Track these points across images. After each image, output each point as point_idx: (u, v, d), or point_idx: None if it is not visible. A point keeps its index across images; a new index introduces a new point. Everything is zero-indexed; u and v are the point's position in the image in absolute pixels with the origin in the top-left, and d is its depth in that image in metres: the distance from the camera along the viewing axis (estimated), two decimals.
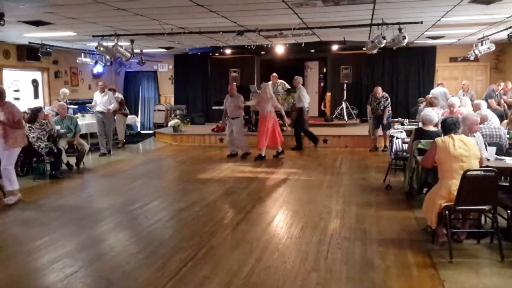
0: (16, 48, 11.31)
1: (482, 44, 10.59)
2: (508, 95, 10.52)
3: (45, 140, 7.74)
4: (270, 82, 10.27)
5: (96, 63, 13.12)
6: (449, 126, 4.33)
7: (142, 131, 15.37)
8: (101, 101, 10.38)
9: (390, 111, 10.19)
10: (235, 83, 10.07)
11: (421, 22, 8.11)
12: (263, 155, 9.42)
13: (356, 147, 10.79)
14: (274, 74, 12.58)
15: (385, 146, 10.24)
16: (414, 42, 12.27)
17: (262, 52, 13.61)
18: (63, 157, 8.20)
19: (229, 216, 5.58)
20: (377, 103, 10.10)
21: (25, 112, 10.56)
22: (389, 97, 10.18)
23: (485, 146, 5.03)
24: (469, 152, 4.13)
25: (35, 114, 7.82)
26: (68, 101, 11.38)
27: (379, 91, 10.17)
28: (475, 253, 4.17)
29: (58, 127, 8.43)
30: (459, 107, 7.67)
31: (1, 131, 6.02)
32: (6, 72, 11.39)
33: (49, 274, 3.85)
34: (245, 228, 5.04)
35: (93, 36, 9.30)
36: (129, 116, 12.58)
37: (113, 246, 4.59)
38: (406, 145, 6.44)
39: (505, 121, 6.62)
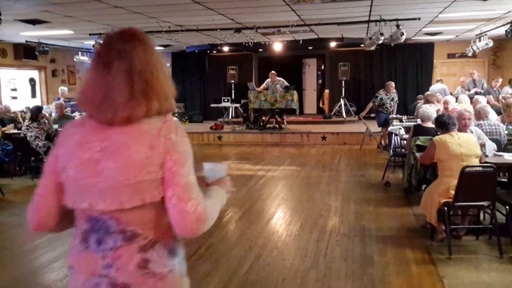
0: (13, 46, 11.27)
1: (480, 40, 10.60)
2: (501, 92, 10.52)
3: (43, 139, 7.72)
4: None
5: None
6: (443, 123, 4.30)
7: None
8: None
9: None
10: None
11: (419, 19, 8.11)
12: None
13: (355, 144, 10.78)
14: (273, 71, 12.59)
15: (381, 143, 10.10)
16: (412, 38, 12.28)
17: (260, 50, 13.60)
18: None
19: (228, 214, 5.58)
20: (391, 100, 9.46)
21: (22, 111, 10.58)
22: None
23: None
24: (470, 151, 4.11)
25: (36, 113, 7.79)
26: (66, 100, 11.34)
27: (393, 85, 9.52)
28: (474, 249, 4.18)
29: (56, 126, 8.40)
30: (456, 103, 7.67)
31: None
32: (3, 71, 11.36)
33: (48, 273, 3.85)
34: (244, 225, 5.04)
35: (90, 34, 9.28)
36: None
37: None
38: (405, 141, 6.43)
39: (499, 117, 6.61)
